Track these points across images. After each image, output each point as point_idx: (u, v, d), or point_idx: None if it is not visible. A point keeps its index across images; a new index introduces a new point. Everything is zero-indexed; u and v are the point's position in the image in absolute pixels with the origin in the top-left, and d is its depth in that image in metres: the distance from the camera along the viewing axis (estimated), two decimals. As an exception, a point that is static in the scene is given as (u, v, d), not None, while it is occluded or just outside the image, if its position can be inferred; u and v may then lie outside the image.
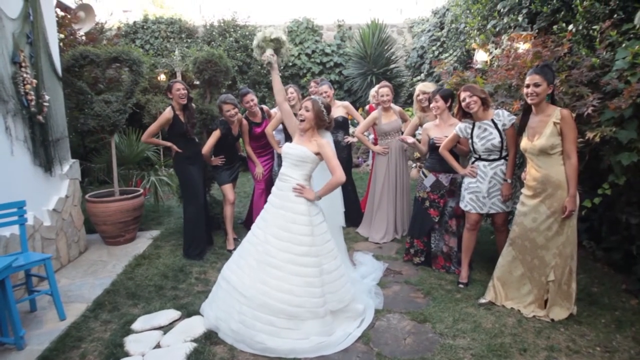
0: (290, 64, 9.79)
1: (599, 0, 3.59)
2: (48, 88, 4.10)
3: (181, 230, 4.84)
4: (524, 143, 3.17)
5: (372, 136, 5.56)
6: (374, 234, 4.97)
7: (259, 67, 9.41)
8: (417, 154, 5.31)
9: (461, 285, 3.71)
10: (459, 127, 3.64)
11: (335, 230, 3.53)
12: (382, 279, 3.92)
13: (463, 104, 3.47)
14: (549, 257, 3.11)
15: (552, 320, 3.11)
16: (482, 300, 3.41)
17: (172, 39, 9.24)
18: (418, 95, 4.73)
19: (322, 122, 3.09)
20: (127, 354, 2.82)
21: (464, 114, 3.56)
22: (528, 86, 3.03)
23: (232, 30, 9.43)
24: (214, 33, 9.45)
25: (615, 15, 3.46)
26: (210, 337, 2.97)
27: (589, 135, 3.10)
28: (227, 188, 4.68)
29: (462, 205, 3.68)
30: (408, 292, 3.69)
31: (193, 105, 4.47)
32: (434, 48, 8.25)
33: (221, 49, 9.06)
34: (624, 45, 3.25)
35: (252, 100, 4.67)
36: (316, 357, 2.75)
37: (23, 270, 3.29)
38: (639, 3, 3.30)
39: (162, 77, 8.80)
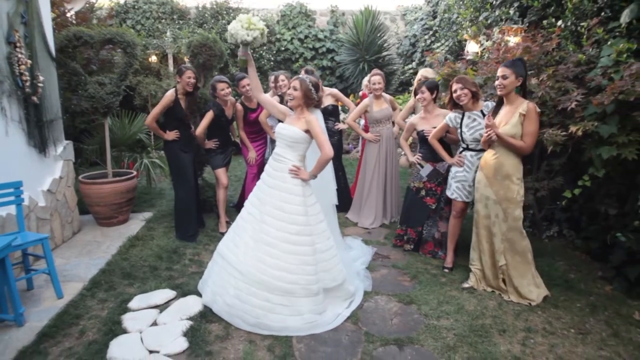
0: (283, 48, 9.78)
1: (588, -3, 3.69)
2: (42, 69, 4.09)
3: (173, 213, 4.91)
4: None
5: (362, 122, 5.65)
6: (364, 219, 5.10)
7: (251, 50, 9.39)
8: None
9: (446, 270, 3.87)
10: (449, 116, 3.76)
11: (329, 210, 3.66)
12: (370, 263, 4.06)
13: (454, 95, 3.59)
14: (498, 243, 3.35)
15: (530, 304, 3.29)
16: (465, 285, 3.58)
17: (163, 20, 9.14)
18: (419, 80, 4.83)
19: (310, 100, 3.18)
20: (125, 331, 2.92)
21: (454, 105, 3.68)
22: (498, 78, 3.20)
23: (225, 12, 9.37)
24: (206, 15, 9.38)
25: (602, 13, 3.58)
26: (205, 316, 3.08)
27: (572, 129, 3.25)
28: (221, 172, 4.75)
29: (448, 193, 3.83)
30: (395, 275, 3.84)
31: (198, 93, 4.51)
32: (426, 37, 8.32)
33: (214, 32, 9.02)
34: (609, 43, 3.38)
35: (247, 84, 4.71)
36: (307, 335, 2.89)
37: (20, 250, 3.34)
38: (626, 2, 3.41)
39: (154, 58, 8.73)
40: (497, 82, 3.22)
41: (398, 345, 2.82)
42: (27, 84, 3.80)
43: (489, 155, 3.35)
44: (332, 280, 3.11)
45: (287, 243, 2.95)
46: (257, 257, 2.96)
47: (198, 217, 4.73)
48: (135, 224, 5.01)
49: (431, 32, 8.12)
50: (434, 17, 8.14)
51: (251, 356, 2.68)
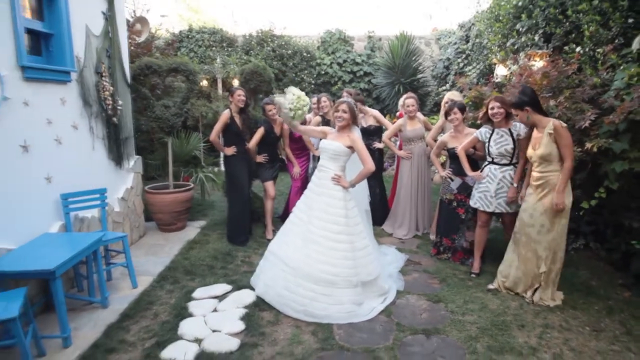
0: (323, 72, 10.41)
1: (603, 25, 4.04)
2: (120, 94, 4.81)
3: (225, 222, 5.49)
4: (529, 152, 3.66)
5: (398, 142, 6.08)
6: (398, 230, 5.50)
7: (293, 75, 10.07)
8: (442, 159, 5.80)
9: (473, 275, 4.21)
10: (480, 131, 4.15)
11: (363, 215, 4.12)
12: (403, 268, 4.45)
13: (490, 111, 3.98)
14: (541, 251, 3.59)
15: (549, 305, 3.59)
16: (490, 286, 3.91)
17: (214, 48, 10.00)
18: (446, 102, 5.25)
19: (355, 119, 3.75)
20: (191, 315, 3.46)
21: (487, 120, 4.07)
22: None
23: (270, 40, 10.13)
24: (252, 42, 10.17)
25: (616, 40, 3.92)
26: (258, 305, 3.58)
27: (588, 145, 3.59)
28: (269, 185, 5.30)
29: (471, 202, 4.19)
30: (426, 279, 4.22)
31: (249, 114, 5.12)
32: (459, 60, 8.72)
33: (259, 57, 9.77)
34: (622, 67, 3.72)
35: (272, 109, 5.27)
36: (346, 323, 3.32)
37: (104, 245, 3.97)
38: (637, 30, 3.74)
39: (205, 82, 9.54)
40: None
41: (426, 335, 3.20)
42: (110, 107, 4.51)
43: (535, 173, 3.60)
44: (368, 275, 3.55)
45: (330, 241, 3.44)
46: (304, 253, 3.45)
47: (248, 225, 5.28)
48: (192, 230, 5.62)
49: (464, 56, 8.52)
50: (467, 42, 8.55)
51: (298, 338, 3.14)
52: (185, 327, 3.26)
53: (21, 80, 3.29)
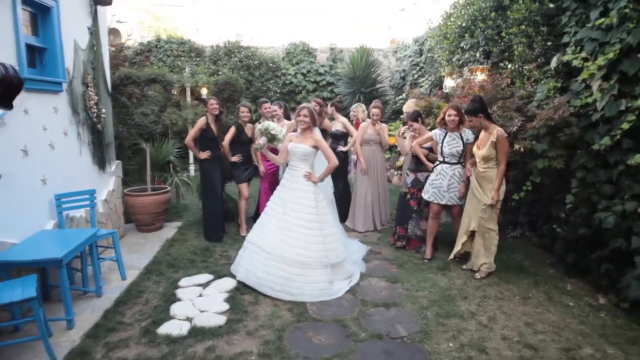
0: (288, 82, 10.95)
1: (529, 46, 4.81)
2: (103, 103, 5.16)
3: (200, 222, 5.91)
4: (474, 150, 4.37)
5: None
6: (357, 225, 6.07)
7: (260, 84, 10.55)
8: (399, 163, 6.44)
9: (426, 260, 4.84)
10: (435, 132, 4.79)
11: (330, 205, 4.68)
12: (365, 257, 5.02)
13: (447, 117, 4.61)
14: (474, 223, 4.35)
15: (480, 278, 4.27)
16: (464, 267, 4.59)
17: (182, 57, 10.34)
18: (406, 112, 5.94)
19: (315, 121, 4.32)
20: (179, 299, 3.88)
21: (444, 124, 4.71)
22: (449, 115, 4.60)
23: (237, 50, 10.58)
24: (220, 53, 10.59)
25: (539, 59, 4.68)
26: (239, 289, 4.05)
27: (517, 146, 4.30)
28: (243, 186, 5.75)
29: (425, 196, 4.82)
30: (385, 265, 4.81)
31: (223, 116, 5.57)
32: (414, 72, 9.48)
33: (227, 67, 10.20)
34: (543, 82, 4.47)
35: (268, 107, 5.84)
36: (317, 301, 3.84)
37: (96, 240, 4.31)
38: (556, 51, 4.51)
39: (174, 92, 9.86)
40: (449, 119, 4.57)
41: (385, 307, 3.77)
42: (94, 115, 4.86)
43: (480, 168, 4.32)
44: (336, 257, 4.10)
45: (303, 228, 3.97)
46: (280, 239, 3.96)
47: (222, 223, 5.71)
48: (169, 230, 5.98)
49: (418, 68, 9.29)
50: (420, 55, 9.32)
51: (276, 313, 3.63)
52: (176, 309, 3.68)
53: (23, 92, 3.63)
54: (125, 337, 3.26)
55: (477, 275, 4.35)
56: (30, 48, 3.97)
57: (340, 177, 6.28)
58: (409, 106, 6.02)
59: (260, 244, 4.06)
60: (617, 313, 3.65)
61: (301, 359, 3.02)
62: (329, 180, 4.99)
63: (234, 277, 4.29)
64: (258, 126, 4.51)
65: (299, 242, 3.95)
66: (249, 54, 10.64)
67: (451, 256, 4.64)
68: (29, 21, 4.04)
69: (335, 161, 4.21)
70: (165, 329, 3.34)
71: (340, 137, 6.29)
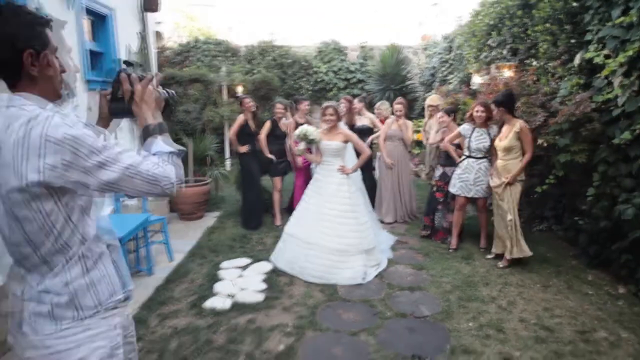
0: (319, 79, 11.28)
1: (553, 44, 4.94)
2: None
3: (237, 212, 6.32)
4: (496, 142, 4.57)
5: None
6: (385, 217, 6.32)
7: (292, 82, 10.94)
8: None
9: (451, 250, 5.07)
10: (464, 126, 4.99)
11: (361, 194, 5.01)
12: (392, 246, 5.29)
13: (475, 113, 4.83)
14: (504, 207, 4.49)
15: (517, 261, 4.47)
16: (488, 256, 4.80)
17: (219, 57, 10.82)
18: (429, 105, 6.18)
19: (339, 118, 4.69)
20: (222, 279, 4.28)
21: (472, 120, 4.93)
22: (477, 111, 4.67)
23: (271, 50, 10.99)
24: (254, 52, 11.02)
25: (563, 56, 4.81)
26: (275, 271, 4.42)
27: (540, 141, 4.48)
28: (277, 179, 6.12)
29: (453, 190, 5.04)
30: (412, 254, 5.07)
31: (260, 113, 5.95)
32: (443, 69, 9.61)
33: (261, 66, 10.62)
34: (566, 78, 4.62)
35: (307, 105, 6.17)
36: (348, 284, 4.15)
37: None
38: (579, 48, 4.64)
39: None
40: (477, 114, 4.65)
41: (410, 290, 4.06)
42: (144, 112, 5.32)
43: (500, 160, 4.54)
44: (369, 244, 4.43)
45: (340, 217, 4.31)
46: (319, 230, 4.29)
47: (260, 212, 6.10)
48: (209, 219, 6.43)
49: (447, 65, 9.42)
50: (450, 52, 9.45)
51: (309, 294, 3.98)
52: (219, 287, 4.09)
53: (86, 92, 4.11)
54: (175, 310, 3.69)
55: (500, 264, 4.56)
56: (91, 52, 4.45)
57: (367, 169, 6.54)
58: (432, 99, 6.23)
59: (300, 236, 4.38)
60: (635, 302, 3.80)
61: (332, 331, 3.35)
62: (358, 171, 5.28)
63: (270, 261, 4.65)
64: (296, 132, 4.79)
65: (337, 232, 4.27)
66: (282, 53, 11.02)
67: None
68: (90, 28, 4.52)
69: (368, 151, 4.61)
70: (210, 303, 3.75)
71: (366, 132, 6.53)
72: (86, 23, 4.22)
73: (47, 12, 3.53)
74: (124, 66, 1.39)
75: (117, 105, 1.59)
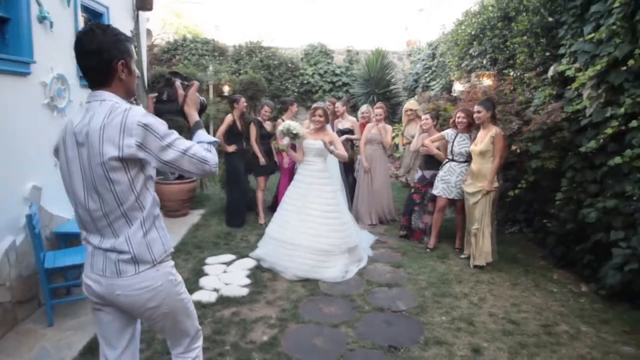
0: (305, 82, 11.45)
1: (529, 56, 5.22)
2: (141, 99, 5.71)
3: (222, 210, 6.44)
4: (472, 147, 4.80)
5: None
6: (363, 218, 6.49)
7: (279, 83, 11.09)
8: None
9: (428, 250, 5.29)
10: (447, 132, 5.21)
11: (342, 194, 5.18)
12: (372, 245, 5.49)
13: (458, 119, 5.05)
14: (475, 216, 4.72)
15: (481, 267, 4.69)
16: (462, 256, 5.02)
17: (206, 56, 10.91)
18: (406, 110, 6.39)
19: (328, 120, 4.87)
20: (207, 274, 4.41)
21: (454, 126, 5.15)
22: (475, 112, 4.67)
23: (258, 51, 11.12)
24: (242, 52, 11.14)
25: (538, 68, 5.10)
26: (259, 268, 4.57)
27: (514, 147, 4.73)
28: (261, 179, 6.27)
29: (435, 191, 5.25)
30: (390, 252, 5.28)
31: (246, 114, 6.10)
32: (426, 75, 9.89)
33: (248, 67, 10.75)
34: (540, 89, 4.89)
35: (296, 109, 6.31)
36: (330, 282, 4.32)
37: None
38: (553, 61, 4.92)
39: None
40: (475, 115, 4.70)
41: (388, 287, 4.25)
42: (133, 109, 5.41)
43: (474, 166, 4.76)
44: (353, 242, 4.63)
45: (323, 218, 4.46)
46: (303, 231, 4.43)
47: (244, 211, 6.23)
48: (194, 216, 6.54)
49: (430, 71, 9.71)
50: (433, 59, 9.74)
51: (292, 288, 4.14)
52: (204, 281, 4.22)
53: (80, 88, 4.20)
54: (162, 302, 3.80)
55: (474, 263, 4.79)
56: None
57: (350, 171, 6.72)
58: (411, 104, 6.50)
59: (283, 238, 4.50)
60: (596, 299, 4.07)
61: (313, 323, 3.52)
62: (339, 172, 5.44)
63: (254, 259, 4.79)
64: (279, 128, 4.91)
65: (320, 232, 4.42)
66: (270, 54, 11.17)
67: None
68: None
69: (346, 155, 4.75)
70: (196, 296, 3.87)
71: (347, 134, 6.74)
72: (82, 20, 4.30)
73: (47, 10, 3.65)
74: (171, 76, 1.80)
75: (161, 106, 2.03)
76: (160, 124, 1.64)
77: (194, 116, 1.94)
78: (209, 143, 1.81)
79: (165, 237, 1.83)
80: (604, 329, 3.55)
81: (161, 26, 11.86)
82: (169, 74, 2.20)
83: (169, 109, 1.98)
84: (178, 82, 1.99)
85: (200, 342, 2.09)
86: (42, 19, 3.65)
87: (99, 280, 1.75)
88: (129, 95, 1.76)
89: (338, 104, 6.61)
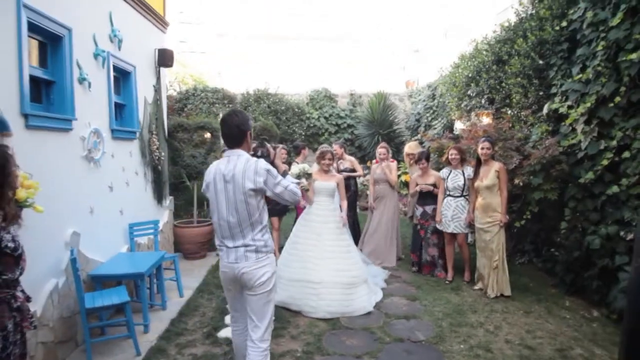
0: (312, 125, 11.93)
1: (524, 95, 5.61)
2: (162, 147, 6.10)
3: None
4: (477, 183, 5.08)
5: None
6: (368, 255, 6.63)
7: (286, 127, 11.56)
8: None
9: (447, 282, 5.47)
10: (442, 171, 5.56)
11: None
12: (386, 280, 5.67)
13: (450, 157, 5.39)
14: (494, 249, 4.92)
15: (496, 297, 4.87)
16: (475, 287, 5.21)
17: (216, 104, 11.44)
18: (407, 153, 6.75)
19: (334, 162, 5.18)
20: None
21: (448, 163, 5.48)
22: (482, 148, 4.98)
23: (265, 97, 11.67)
24: (250, 100, 11.68)
25: (533, 106, 5.47)
26: (280, 306, 4.74)
27: (516, 180, 5.02)
28: (275, 219, 6.52)
29: (446, 228, 5.50)
30: (405, 286, 5.46)
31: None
32: (427, 114, 10.33)
33: (257, 113, 11.24)
34: (536, 126, 5.23)
35: (307, 153, 6.67)
36: (348, 316, 4.50)
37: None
38: (547, 99, 5.30)
39: (208, 135, 10.87)
40: (482, 151, 4.96)
41: (406, 319, 4.43)
42: (156, 157, 5.78)
43: (481, 200, 5.03)
44: (366, 274, 4.88)
45: (342, 253, 4.72)
46: (326, 268, 4.60)
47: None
48: (212, 258, 6.75)
49: (431, 111, 10.15)
50: (433, 99, 10.21)
51: (314, 324, 4.32)
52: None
53: (111, 140, 4.57)
54: (192, 339, 4.00)
55: (504, 293, 4.94)
56: (116, 105, 4.95)
57: (351, 209, 6.91)
58: (410, 147, 6.84)
59: (307, 278, 4.61)
60: (608, 323, 4.23)
61: (338, 355, 3.69)
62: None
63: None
64: (293, 171, 5.16)
65: (341, 266, 4.65)
66: (277, 100, 11.70)
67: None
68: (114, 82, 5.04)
69: (345, 201, 5.12)
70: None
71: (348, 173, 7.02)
72: (112, 78, 4.73)
73: (86, 72, 4.06)
74: (262, 140, 2.89)
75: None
76: (274, 170, 2.72)
77: (281, 167, 2.91)
78: (295, 184, 2.90)
79: (271, 239, 2.82)
80: (617, 351, 3.69)
81: (173, 77, 12.49)
82: (261, 139, 3.21)
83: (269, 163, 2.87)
84: (268, 145, 2.99)
85: (269, 337, 2.85)
86: (82, 80, 4.06)
87: (231, 266, 2.72)
88: (249, 150, 2.81)
89: (335, 146, 6.95)
